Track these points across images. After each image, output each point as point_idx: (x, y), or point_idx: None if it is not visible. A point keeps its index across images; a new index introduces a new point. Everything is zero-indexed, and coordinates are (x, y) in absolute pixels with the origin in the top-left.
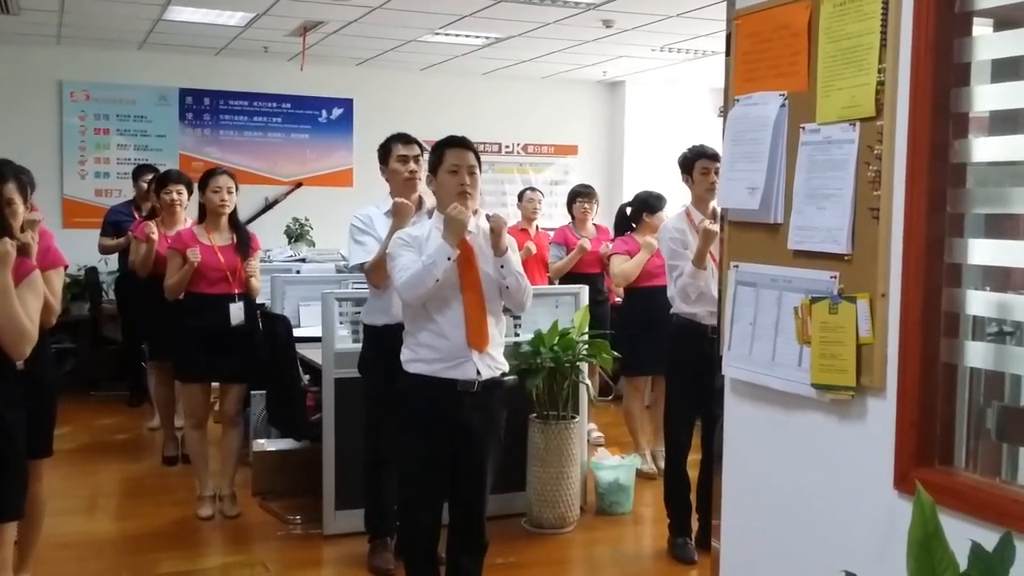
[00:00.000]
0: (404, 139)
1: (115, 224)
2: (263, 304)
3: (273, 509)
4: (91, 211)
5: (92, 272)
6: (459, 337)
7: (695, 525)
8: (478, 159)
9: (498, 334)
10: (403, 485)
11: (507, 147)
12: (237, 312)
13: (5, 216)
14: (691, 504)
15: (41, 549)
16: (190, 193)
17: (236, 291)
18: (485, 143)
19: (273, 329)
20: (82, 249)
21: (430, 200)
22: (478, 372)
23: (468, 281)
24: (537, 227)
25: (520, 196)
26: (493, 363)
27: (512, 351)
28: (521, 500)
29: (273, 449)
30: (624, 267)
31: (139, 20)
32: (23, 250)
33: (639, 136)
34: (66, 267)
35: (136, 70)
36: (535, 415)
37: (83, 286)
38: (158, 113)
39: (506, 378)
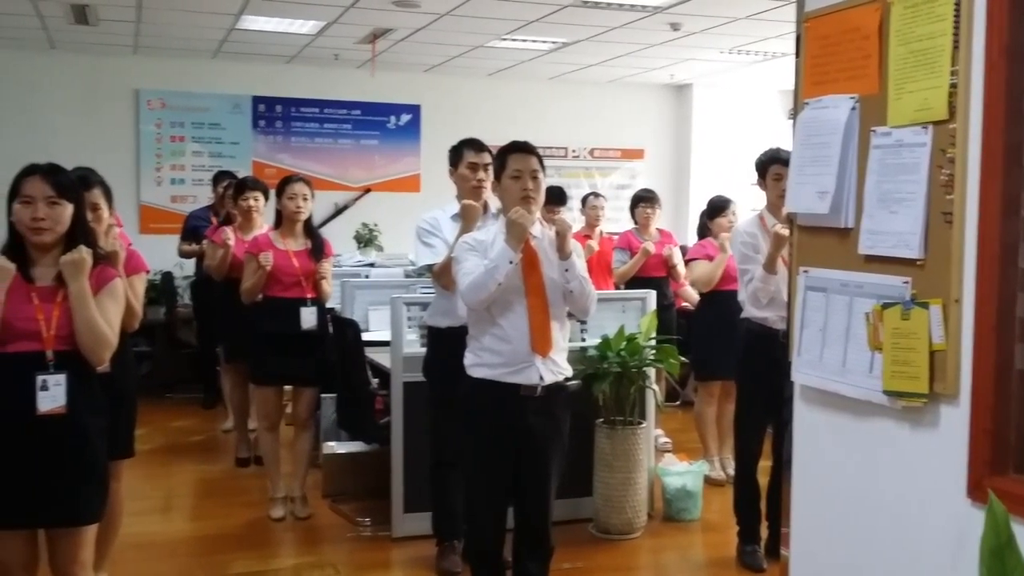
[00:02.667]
0: (476, 146)
1: (194, 229)
2: (333, 308)
3: (343, 511)
4: (167, 217)
5: (168, 277)
6: (523, 342)
7: (764, 533)
8: (541, 164)
9: (562, 339)
10: (467, 489)
11: (573, 151)
12: (309, 316)
13: (87, 222)
14: (760, 511)
15: (117, 549)
16: (266, 199)
17: (309, 296)
18: (551, 148)
19: (342, 333)
20: (158, 254)
21: (495, 204)
22: (541, 377)
23: (532, 285)
24: (601, 232)
25: (583, 201)
26: (556, 368)
27: (578, 356)
28: (588, 505)
29: (343, 452)
30: (702, 271)
31: (213, 29)
32: (111, 258)
33: (707, 140)
34: (148, 272)
35: (210, 78)
36: (601, 420)
37: (159, 291)
38: (232, 120)
39: (570, 383)
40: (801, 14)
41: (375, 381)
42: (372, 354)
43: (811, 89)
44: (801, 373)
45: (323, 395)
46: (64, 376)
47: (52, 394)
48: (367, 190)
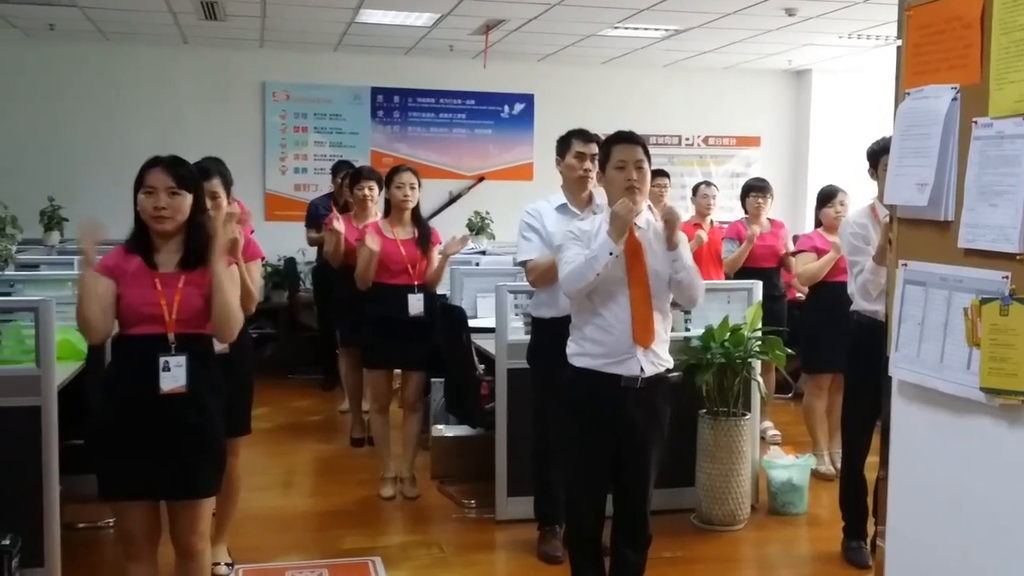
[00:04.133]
0: (584, 136)
1: (315, 217)
2: (444, 295)
3: (450, 492)
4: (290, 205)
5: (291, 262)
6: (625, 332)
7: (871, 529)
8: (647, 153)
9: (664, 331)
10: (567, 476)
11: (687, 140)
12: (416, 303)
13: (207, 211)
14: (867, 507)
15: (238, 521)
16: (380, 189)
17: (416, 283)
18: (665, 136)
19: (451, 319)
20: (282, 240)
21: (600, 195)
22: (642, 369)
23: (635, 276)
24: (712, 222)
25: (694, 190)
26: (658, 360)
27: (682, 346)
28: (690, 496)
29: (451, 435)
30: (808, 267)
31: (334, 23)
32: (230, 245)
33: (826, 127)
34: (263, 259)
35: (331, 71)
36: (705, 411)
37: (282, 275)
38: (352, 111)
39: (671, 375)
40: (903, 2)
41: (481, 367)
42: (479, 340)
43: (912, 79)
44: (899, 368)
45: (433, 379)
46: (184, 358)
47: (173, 374)
48: (480, 179)
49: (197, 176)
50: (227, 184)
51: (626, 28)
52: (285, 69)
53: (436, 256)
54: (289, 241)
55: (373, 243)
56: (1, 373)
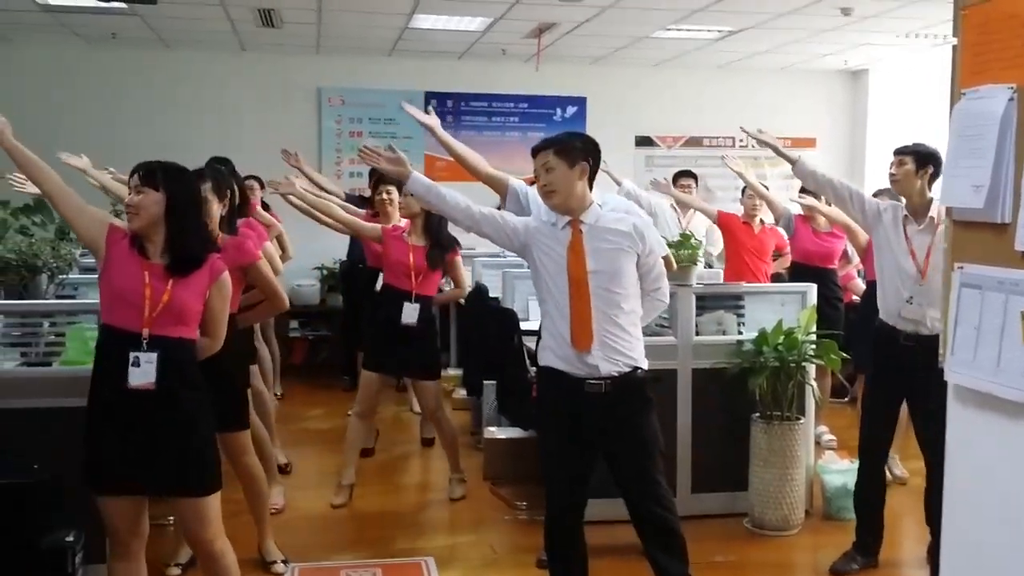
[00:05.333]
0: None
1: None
2: (496, 298)
3: (502, 494)
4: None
5: (344, 264)
6: (566, 334)
7: (928, 538)
8: (558, 154)
9: (618, 331)
10: (543, 474)
11: (741, 141)
12: (410, 312)
13: (191, 213)
14: (882, 518)
15: (292, 520)
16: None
17: (413, 291)
18: (718, 137)
19: (502, 322)
20: (338, 244)
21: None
22: (599, 369)
23: (572, 275)
24: (762, 222)
25: (743, 191)
26: (617, 358)
27: (734, 349)
28: (743, 500)
29: (503, 437)
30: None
31: (388, 29)
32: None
33: (883, 127)
34: (256, 260)
35: (385, 76)
36: (758, 415)
37: (337, 279)
38: (405, 116)
39: (638, 372)
40: (959, 1)
41: (533, 369)
42: (530, 342)
43: (968, 79)
44: (954, 372)
45: (484, 381)
46: (156, 354)
47: (143, 370)
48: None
49: (172, 178)
50: (220, 188)
51: (679, 29)
52: (340, 74)
53: (460, 266)
54: (344, 245)
55: (374, 232)
56: (65, 373)
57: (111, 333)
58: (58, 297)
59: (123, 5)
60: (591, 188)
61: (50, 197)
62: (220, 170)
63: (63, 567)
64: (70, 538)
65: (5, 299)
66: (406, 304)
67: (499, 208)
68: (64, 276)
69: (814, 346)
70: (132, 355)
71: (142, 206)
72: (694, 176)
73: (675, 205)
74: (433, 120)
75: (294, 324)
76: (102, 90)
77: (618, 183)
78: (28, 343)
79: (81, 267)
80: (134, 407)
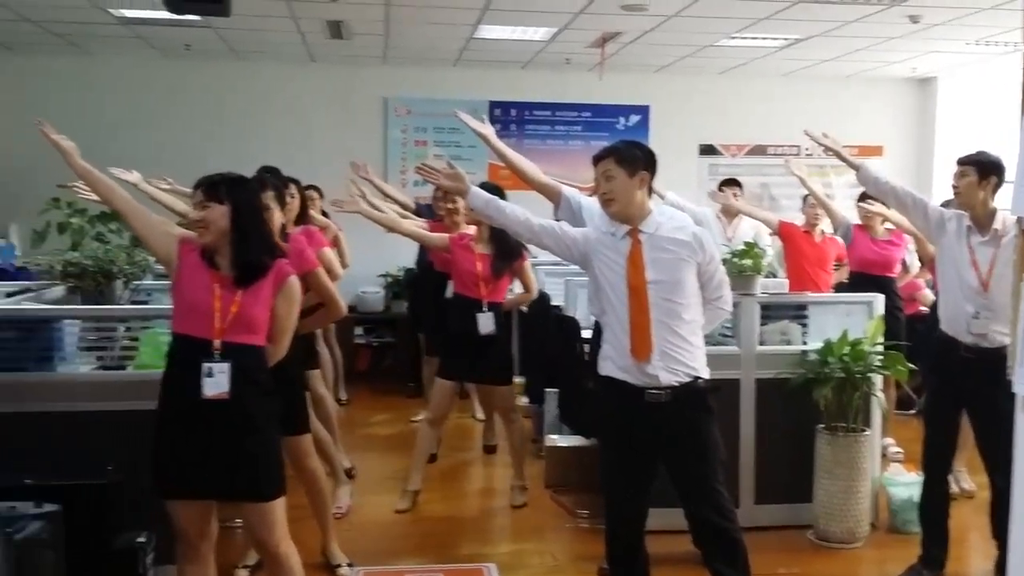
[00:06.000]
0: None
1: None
2: (558, 306)
3: (563, 502)
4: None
5: (410, 272)
6: (626, 344)
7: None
8: (620, 164)
9: (678, 341)
10: (601, 482)
11: (807, 149)
12: (485, 322)
13: (256, 222)
14: (947, 529)
15: (357, 524)
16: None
17: (484, 299)
18: (783, 146)
19: (564, 330)
20: (401, 251)
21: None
22: (659, 379)
23: (632, 285)
24: (823, 232)
25: (805, 200)
26: (677, 368)
27: (798, 359)
28: (807, 512)
29: (564, 445)
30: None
31: (454, 39)
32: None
33: (952, 135)
34: (315, 267)
35: (451, 85)
36: (823, 426)
37: (402, 286)
38: None
39: (700, 381)
40: None
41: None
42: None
43: None
44: (1022, 384)
45: (547, 389)
46: (228, 365)
47: (216, 380)
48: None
49: (236, 189)
50: (282, 197)
51: (744, 38)
52: (406, 84)
53: (529, 270)
54: (408, 252)
55: (441, 241)
56: (139, 377)
57: (183, 342)
58: (132, 302)
59: (197, 17)
60: (650, 198)
61: (122, 215)
62: (282, 178)
63: (134, 567)
64: (142, 539)
65: (82, 304)
66: (479, 316)
67: (556, 218)
68: (138, 282)
69: (881, 357)
70: (205, 366)
71: (209, 220)
72: (739, 184)
73: (720, 214)
74: (487, 129)
75: (359, 331)
76: (175, 100)
77: (661, 196)
78: (104, 347)
79: (154, 273)
80: (205, 415)
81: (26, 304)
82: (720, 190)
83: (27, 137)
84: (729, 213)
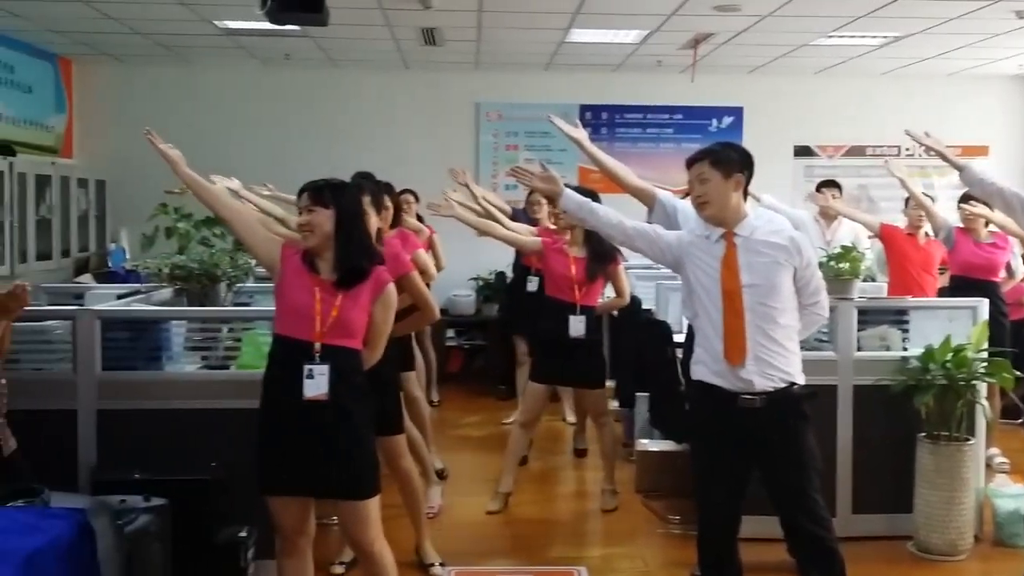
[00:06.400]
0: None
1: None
2: (649, 310)
3: (654, 507)
4: None
5: (500, 276)
6: (719, 348)
7: None
8: (713, 164)
9: (773, 346)
10: (694, 487)
11: (907, 150)
12: (576, 325)
13: (358, 227)
14: None
15: (450, 525)
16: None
17: (577, 302)
18: (882, 146)
19: (656, 334)
20: (492, 254)
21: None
22: (753, 384)
23: (725, 289)
24: (927, 234)
25: (906, 202)
26: (772, 373)
27: (899, 366)
28: (908, 522)
29: (655, 449)
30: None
31: (545, 44)
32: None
33: None
34: (408, 271)
35: (541, 90)
36: (924, 435)
37: (493, 289)
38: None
39: (795, 387)
40: None
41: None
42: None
43: None
44: None
45: (637, 393)
46: (328, 367)
47: (316, 382)
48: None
49: (339, 193)
50: (378, 202)
51: (841, 36)
52: (498, 89)
53: (622, 274)
54: (499, 255)
55: (534, 244)
56: (241, 377)
57: (284, 344)
58: (235, 304)
59: (296, 27)
60: (745, 200)
61: (226, 223)
62: (377, 183)
63: (236, 561)
64: (243, 534)
65: (188, 306)
66: (572, 318)
67: (649, 222)
68: (241, 284)
69: (985, 364)
70: (306, 367)
71: (315, 223)
72: (838, 185)
73: (818, 217)
74: (580, 133)
75: (451, 333)
76: (275, 107)
77: (757, 199)
78: (208, 347)
79: (256, 276)
80: (305, 415)
81: (136, 305)
82: (818, 192)
83: (136, 146)
84: (828, 216)
